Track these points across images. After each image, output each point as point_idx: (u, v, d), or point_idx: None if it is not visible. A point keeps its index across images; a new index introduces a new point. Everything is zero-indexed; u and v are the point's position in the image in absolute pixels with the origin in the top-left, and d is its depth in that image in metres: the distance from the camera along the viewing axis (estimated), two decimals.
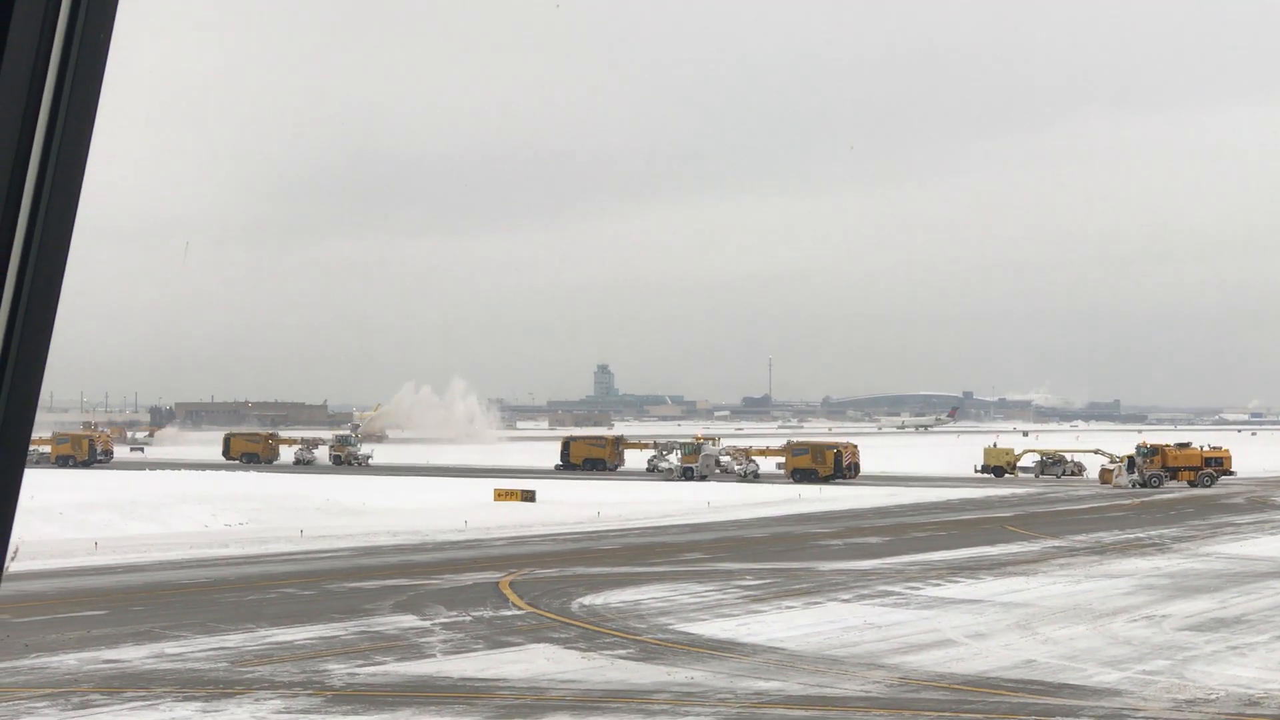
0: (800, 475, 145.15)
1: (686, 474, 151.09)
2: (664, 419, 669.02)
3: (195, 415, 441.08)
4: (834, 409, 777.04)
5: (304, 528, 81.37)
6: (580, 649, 39.78)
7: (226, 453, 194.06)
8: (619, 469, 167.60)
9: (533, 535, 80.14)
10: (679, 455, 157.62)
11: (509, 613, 47.36)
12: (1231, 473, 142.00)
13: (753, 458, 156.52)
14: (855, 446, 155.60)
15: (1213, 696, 33.28)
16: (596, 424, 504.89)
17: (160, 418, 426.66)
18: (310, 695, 32.81)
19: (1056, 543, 75.09)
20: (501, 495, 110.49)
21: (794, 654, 39.08)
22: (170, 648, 39.73)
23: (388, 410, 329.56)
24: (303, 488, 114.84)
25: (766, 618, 46.58)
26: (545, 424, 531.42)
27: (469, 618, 45.98)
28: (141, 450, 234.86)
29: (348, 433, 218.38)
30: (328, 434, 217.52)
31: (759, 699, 32.74)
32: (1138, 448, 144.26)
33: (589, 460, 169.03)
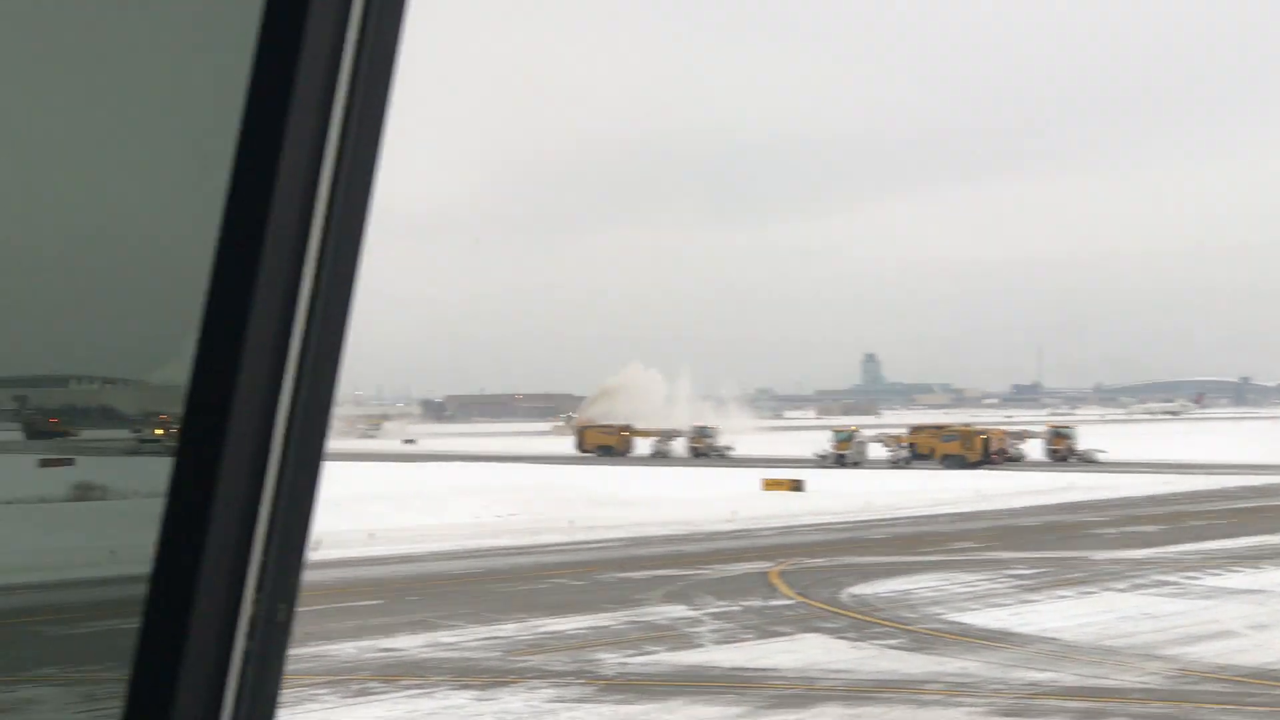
0: (949, 461, 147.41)
1: (840, 461, 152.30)
2: (932, 407, 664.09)
3: (466, 408, 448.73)
4: (1106, 395, 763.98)
5: (574, 518, 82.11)
6: (850, 639, 39.56)
7: (580, 445, 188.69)
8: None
9: (801, 525, 79.93)
10: (832, 442, 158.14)
11: (778, 602, 47.27)
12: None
13: (903, 444, 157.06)
14: (1004, 433, 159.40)
15: None
16: (864, 413, 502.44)
17: (432, 411, 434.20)
18: (582, 685, 33.07)
19: None
20: (770, 485, 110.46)
21: (1068, 644, 38.43)
22: (444, 637, 40.35)
23: (605, 396, 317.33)
24: (573, 479, 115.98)
25: (1040, 607, 45.88)
26: (813, 413, 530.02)
27: (739, 607, 45.98)
28: (413, 442, 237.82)
29: (706, 425, 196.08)
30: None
31: (1033, 690, 32.25)
32: None
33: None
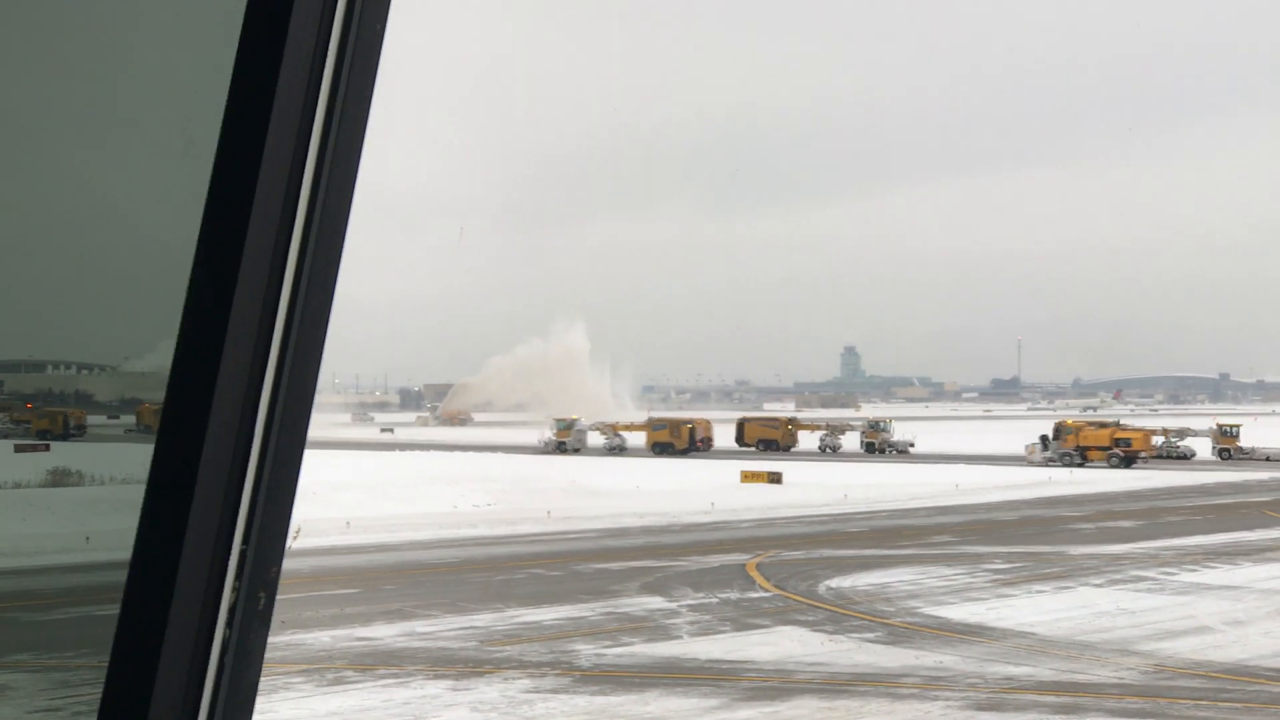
0: (660, 448, 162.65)
1: (560, 448, 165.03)
2: (911, 400, 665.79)
3: (443, 396, 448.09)
4: (1085, 390, 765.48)
5: (551, 509, 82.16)
6: (827, 632, 39.61)
7: (740, 439, 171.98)
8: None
9: (779, 517, 80.00)
10: (554, 430, 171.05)
11: (756, 595, 47.31)
12: (1140, 455, 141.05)
13: (619, 433, 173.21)
14: (709, 423, 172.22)
15: None
16: (843, 406, 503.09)
17: (410, 400, 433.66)
18: (558, 675, 33.06)
19: None
20: (748, 477, 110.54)
21: (1045, 639, 38.51)
22: (420, 626, 40.33)
23: (470, 386, 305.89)
24: (549, 470, 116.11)
25: (1016, 602, 45.97)
26: (792, 406, 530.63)
27: (716, 599, 46.02)
28: (391, 431, 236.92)
29: (881, 418, 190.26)
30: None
31: (1009, 684, 32.31)
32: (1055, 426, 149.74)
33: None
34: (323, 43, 3.00)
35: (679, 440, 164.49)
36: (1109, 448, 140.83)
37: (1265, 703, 30.28)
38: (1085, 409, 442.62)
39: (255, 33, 2.95)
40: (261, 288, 2.94)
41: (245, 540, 2.99)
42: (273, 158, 2.94)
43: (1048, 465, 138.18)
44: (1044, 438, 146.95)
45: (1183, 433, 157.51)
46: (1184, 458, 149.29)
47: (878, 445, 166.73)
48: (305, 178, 3.00)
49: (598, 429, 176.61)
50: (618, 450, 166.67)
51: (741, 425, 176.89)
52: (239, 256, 2.90)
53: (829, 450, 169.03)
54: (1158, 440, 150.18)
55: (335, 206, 3.06)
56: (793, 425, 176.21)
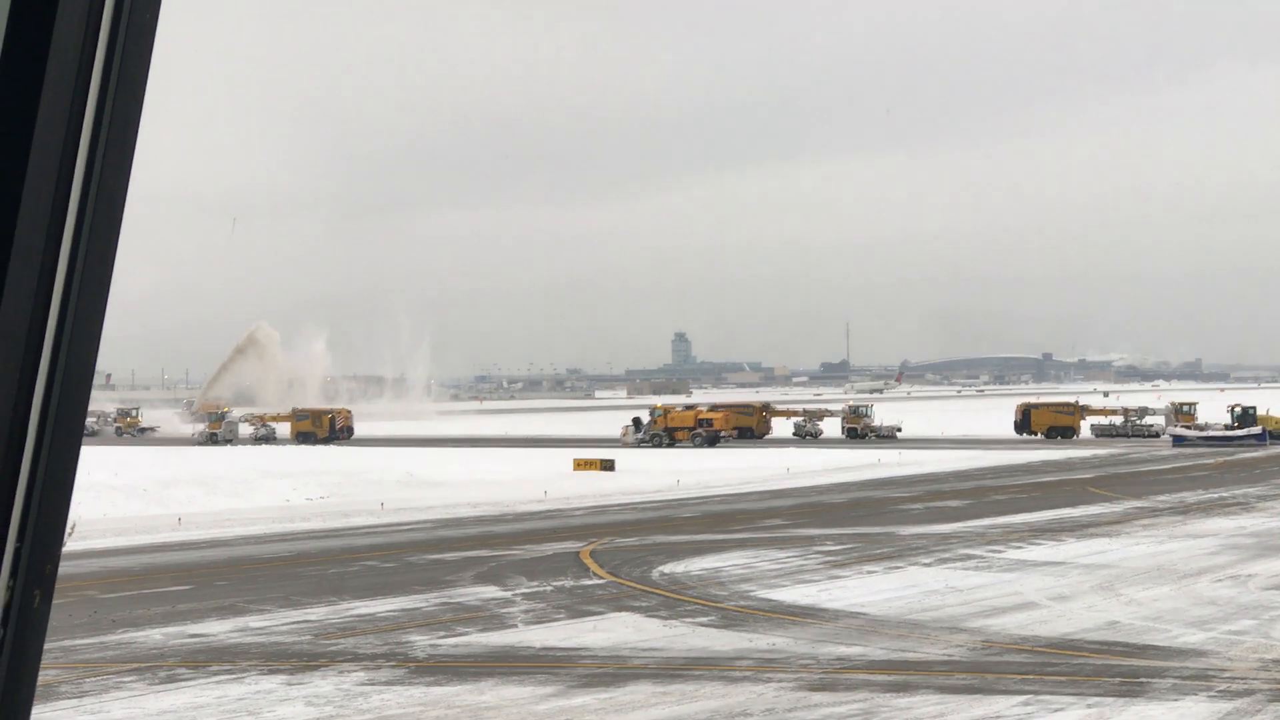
0: (303, 437, 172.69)
1: (213, 439, 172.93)
2: (742, 386, 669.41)
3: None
4: (912, 372, 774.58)
5: (385, 500, 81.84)
6: (662, 617, 39.81)
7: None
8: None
9: (613, 505, 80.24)
10: (206, 423, 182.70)
11: (590, 582, 47.45)
12: (721, 435, 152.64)
13: (266, 423, 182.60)
14: (349, 412, 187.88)
15: None
16: (674, 392, 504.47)
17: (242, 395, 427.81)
18: (394, 667, 32.97)
19: (1139, 503, 74.64)
20: (581, 465, 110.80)
21: (876, 619, 38.99)
22: (254, 621, 40.02)
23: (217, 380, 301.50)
24: (384, 461, 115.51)
25: (848, 583, 46.49)
26: (623, 393, 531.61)
27: (550, 588, 46.09)
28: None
29: (861, 403, 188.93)
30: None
31: (841, 664, 32.68)
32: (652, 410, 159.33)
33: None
34: (92, 34, 2.97)
35: (320, 429, 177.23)
36: (694, 428, 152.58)
37: (1090, 675, 30.90)
38: (873, 391, 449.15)
39: (20, 24, 2.92)
40: (32, 282, 2.91)
41: (20, 538, 2.97)
42: (41, 153, 2.92)
43: (640, 446, 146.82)
44: (636, 420, 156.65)
45: (1143, 411, 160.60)
46: (1155, 435, 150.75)
47: (860, 430, 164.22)
48: (76, 172, 2.98)
49: (246, 420, 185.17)
50: (265, 440, 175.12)
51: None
52: (8, 250, 2.88)
53: (807, 436, 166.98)
54: (1117, 420, 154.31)
55: (108, 202, 3.04)
56: (767, 412, 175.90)
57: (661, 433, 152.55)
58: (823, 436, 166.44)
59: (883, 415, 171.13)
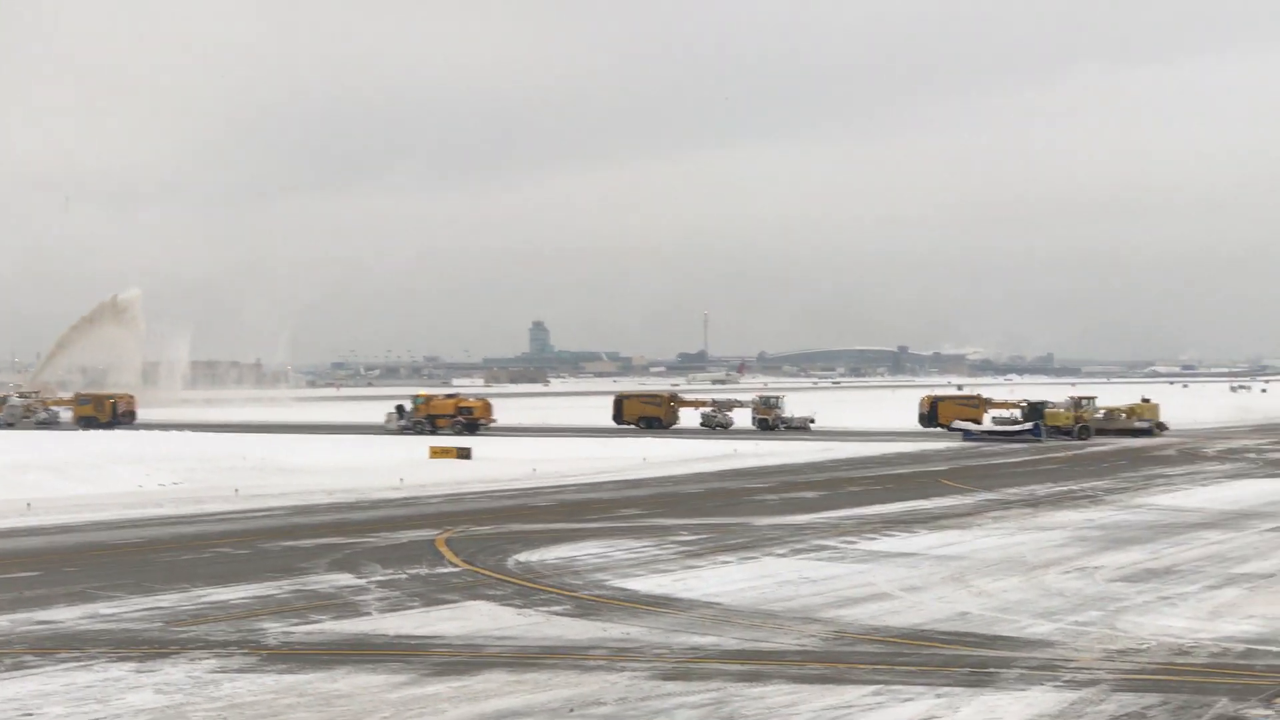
0: (86, 422, 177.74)
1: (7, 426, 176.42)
2: (600, 375, 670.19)
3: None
4: (769, 364, 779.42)
5: (239, 487, 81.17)
6: (516, 606, 39.76)
7: (618, 417, 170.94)
8: None
9: (469, 493, 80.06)
10: None
11: (445, 570, 47.30)
12: (480, 423, 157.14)
13: (50, 407, 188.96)
14: (132, 397, 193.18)
15: (1144, 646, 33.45)
16: (532, 380, 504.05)
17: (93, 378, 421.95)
18: (245, 654, 32.69)
19: (990, 496, 75.51)
20: (437, 452, 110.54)
21: (730, 609, 39.14)
22: (104, 608, 39.51)
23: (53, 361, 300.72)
24: (240, 447, 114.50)
25: (702, 573, 46.62)
26: (481, 381, 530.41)
27: (405, 575, 45.91)
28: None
29: (772, 394, 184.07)
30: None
31: (695, 654, 32.78)
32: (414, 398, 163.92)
33: None
34: None
35: (101, 414, 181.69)
36: (454, 415, 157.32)
37: (940, 665, 31.19)
38: (716, 382, 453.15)
39: None
40: None
41: None
42: None
43: (403, 433, 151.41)
44: (399, 408, 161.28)
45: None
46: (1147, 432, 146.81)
47: (771, 422, 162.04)
48: None
49: (25, 401, 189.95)
50: (47, 425, 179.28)
51: (620, 402, 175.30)
52: None
53: (717, 427, 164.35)
54: (1098, 415, 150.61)
55: None
56: (675, 402, 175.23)
57: (424, 420, 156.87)
58: (733, 427, 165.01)
59: (794, 407, 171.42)
